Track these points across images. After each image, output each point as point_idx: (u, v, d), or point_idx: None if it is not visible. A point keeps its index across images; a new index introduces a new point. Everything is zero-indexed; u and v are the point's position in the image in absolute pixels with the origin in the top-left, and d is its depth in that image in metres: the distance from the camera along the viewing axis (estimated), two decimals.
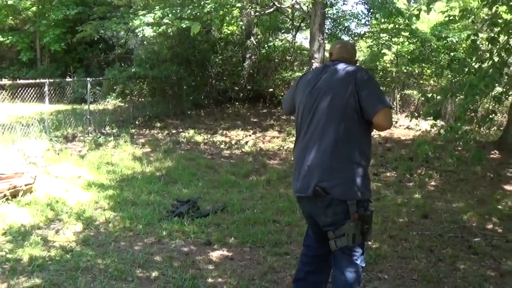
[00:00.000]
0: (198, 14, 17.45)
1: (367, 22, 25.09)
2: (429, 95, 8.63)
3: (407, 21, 20.53)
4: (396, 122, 18.01)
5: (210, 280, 6.07)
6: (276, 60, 23.63)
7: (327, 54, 13.26)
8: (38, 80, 16.62)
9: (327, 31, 22.30)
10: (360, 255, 4.60)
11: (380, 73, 22.12)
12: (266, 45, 23.52)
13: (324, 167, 4.42)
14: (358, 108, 4.41)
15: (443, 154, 12.90)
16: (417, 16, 9.39)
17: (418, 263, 6.70)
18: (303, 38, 31.06)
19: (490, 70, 7.35)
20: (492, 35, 7.94)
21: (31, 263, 6.36)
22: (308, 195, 4.50)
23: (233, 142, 15.91)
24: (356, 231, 4.40)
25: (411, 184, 11.19)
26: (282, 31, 26.82)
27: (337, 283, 4.64)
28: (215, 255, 6.90)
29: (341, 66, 4.68)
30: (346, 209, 4.38)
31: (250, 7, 20.61)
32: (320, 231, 4.73)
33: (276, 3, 19.78)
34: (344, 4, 27.63)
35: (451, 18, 13.72)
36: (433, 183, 11.34)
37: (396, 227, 8.11)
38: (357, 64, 4.94)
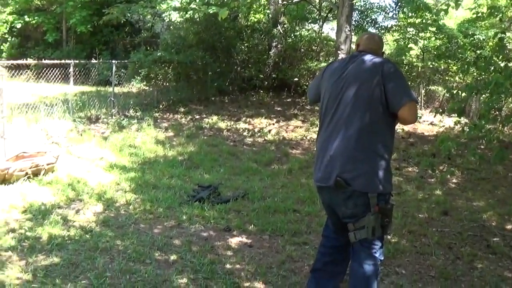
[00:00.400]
0: (225, 0, 17.44)
1: (394, 16, 24.90)
2: (454, 92, 8.56)
3: (434, 16, 20.38)
4: (420, 117, 17.85)
5: (228, 266, 6.07)
6: (302, 49, 23.50)
7: (353, 46, 13.18)
8: (63, 61, 16.66)
9: (354, 22, 22.17)
10: (379, 248, 4.58)
11: (406, 68, 21.94)
12: (292, 34, 23.40)
13: (347, 157, 4.39)
14: (383, 100, 4.37)
15: (465, 151, 12.80)
16: (446, 11, 9.32)
17: (436, 260, 6.65)
18: (329, 29, 30.89)
19: None
20: None
21: (50, 242, 6.40)
22: (329, 185, 4.48)
23: (256, 130, 15.88)
24: (376, 224, 4.37)
25: (432, 180, 11.11)
26: (309, 21, 26.70)
27: (355, 275, 4.63)
28: (234, 241, 6.90)
29: (368, 57, 4.63)
30: (367, 201, 4.36)
31: None
32: (339, 222, 4.72)
33: None
34: None
35: (478, 15, 13.63)
36: (454, 180, 11.27)
37: (416, 223, 8.06)
38: (383, 56, 4.90)
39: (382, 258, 4.66)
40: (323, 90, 4.79)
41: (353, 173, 4.36)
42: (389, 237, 7.05)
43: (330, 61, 17.53)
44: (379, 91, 4.37)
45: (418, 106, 4.95)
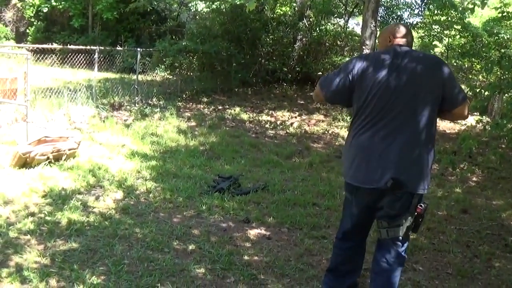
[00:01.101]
0: None
1: (420, 13, 24.87)
2: (477, 90, 8.50)
3: (459, 14, 20.29)
4: None
5: (246, 257, 6.06)
6: (327, 44, 23.47)
7: (377, 41, 13.10)
8: (88, 47, 16.73)
9: (379, 18, 22.06)
10: (406, 246, 4.57)
11: None
12: (318, 28, 23.37)
13: (404, 159, 4.32)
14: (440, 100, 4.36)
15: (486, 150, 12.74)
16: (472, 10, 9.26)
17: (454, 258, 6.61)
18: (355, 24, 30.84)
19: None
20: None
21: (69, 227, 6.43)
22: (378, 187, 4.38)
23: (278, 122, 15.86)
24: (411, 224, 4.37)
25: (452, 178, 11.04)
26: (335, 15, 26.60)
27: (380, 270, 4.58)
28: (252, 233, 6.89)
29: (418, 53, 4.57)
30: (411, 202, 4.35)
31: None
32: (365, 221, 4.69)
33: None
34: None
35: (504, 14, 13.52)
36: (474, 178, 11.19)
37: (435, 220, 8.01)
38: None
39: (406, 256, 4.66)
40: (365, 86, 4.48)
41: (409, 175, 4.33)
42: None
43: (356, 55, 17.49)
44: (439, 88, 4.34)
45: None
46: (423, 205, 4.36)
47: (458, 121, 4.68)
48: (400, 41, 4.66)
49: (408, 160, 4.32)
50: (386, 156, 4.33)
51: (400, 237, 4.44)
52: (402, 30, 4.76)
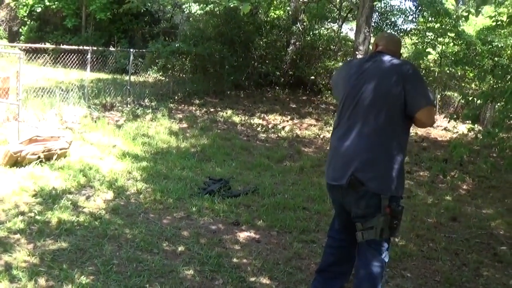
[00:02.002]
0: None
1: (414, 19, 24.88)
2: (470, 98, 8.53)
3: (454, 22, 20.34)
4: (434, 122, 17.76)
5: (235, 260, 6.08)
6: (320, 48, 23.49)
7: (371, 47, 13.11)
8: (81, 47, 16.72)
9: (373, 24, 22.09)
10: (386, 249, 4.59)
11: (423, 72, 21.86)
12: (311, 33, 23.40)
13: (362, 157, 4.37)
14: (402, 100, 4.33)
15: (477, 159, 12.78)
16: (466, 18, 9.30)
17: (443, 265, 6.63)
18: (348, 29, 30.89)
19: None
20: None
21: (59, 227, 6.45)
22: (341, 184, 4.47)
23: (270, 126, 15.87)
24: (385, 225, 4.35)
25: (443, 185, 11.06)
26: (329, 20, 26.69)
27: (360, 275, 4.64)
28: (242, 235, 6.91)
29: (387, 58, 4.61)
30: (379, 202, 4.34)
31: None
32: (347, 221, 4.72)
33: None
34: None
35: (498, 23, 13.55)
36: (465, 187, 11.20)
37: (424, 227, 8.04)
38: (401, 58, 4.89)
39: (387, 260, 4.67)
40: (341, 89, 4.76)
41: (368, 173, 4.36)
42: (396, 239, 7.04)
43: (345, 61, 17.53)
44: (398, 91, 4.34)
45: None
46: (393, 207, 4.37)
47: (427, 127, 4.72)
48: (381, 48, 4.81)
49: (369, 159, 4.39)
50: (349, 154, 4.46)
51: (377, 240, 4.45)
52: (384, 38, 4.99)
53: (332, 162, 4.66)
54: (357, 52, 16.78)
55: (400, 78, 4.36)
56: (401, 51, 5.03)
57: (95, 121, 13.04)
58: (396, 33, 23.73)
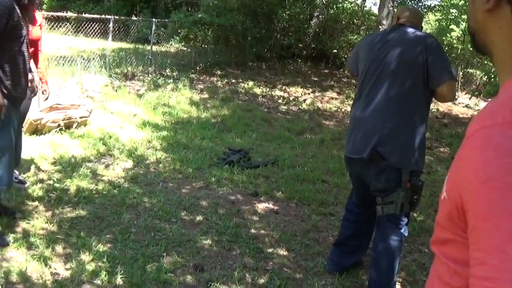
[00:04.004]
0: None
1: None
2: (492, 76, 8.44)
3: None
4: (456, 99, 17.67)
5: (252, 230, 6.07)
6: (344, 22, 23.34)
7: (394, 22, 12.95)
8: (103, 16, 16.67)
9: None
10: (405, 224, 4.59)
11: (446, 49, 21.69)
12: (335, 6, 23.28)
13: (383, 130, 4.32)
14: (425, 71, 4.26)
15: None
16: None
17: None
18: (372, 3, 30.62)
19: None
20: None
21: (78, 195, 6.47)
22: (362, 157, 4.44)
23: (291, 98, 15.79)
24: (405, 200, 4.33)
25: None
26: None
27: (378, 248, 4.64)
28: (260, 206, 6.90)
29: (411, 29, 4.55)
30: (399, 177, 4.32)
31: None
32: (365, 195, 4.72)
33: None
34: None
35: None
36: None
37: None
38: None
39: (406, 234, 4.67)
40: (362, 60, 4.71)
41: (389, 147, 4.32)
42: (415, 214, 7.01)
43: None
44: (422, 61, 4.26)
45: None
46: (414, 181, 4.34)
47: (447, 102, 4.66)
48: (403, 20, 4.74)
49: (385, 132, 4.34)
50: (370, 127, 4.41)
51: (397, 214, 4.44)
52: (406, 11, 4.88)
53: (352, 135, 4.61)
54: (380, 27, 16.64)
55: (424, 49, 4.28)
56: (422, 25, 4.96)
57: (116, 90, 13.03)
58: (420, 8, 23.53)
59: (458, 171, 1.35)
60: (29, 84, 5.52)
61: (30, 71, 5.64)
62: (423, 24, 5.04)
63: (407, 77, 4.31)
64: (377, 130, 4.35)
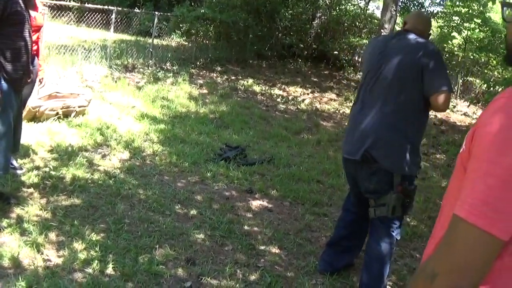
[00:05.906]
0: None
1: (441, 2, 24.74)
2: (492, 84, 8.47)
3: (481, 7, 20.15)
4: (454, 106, 17.71)
5: (246, 227, 6.10)
6: (346, 24, 23.31)
7: (397, 27, 12.95)
8: (106, 7, 16.67)
9: (400, 3, 21.99)
10: (397, 227, 4.62)
11: (446, 56, 21.71)
12: (337, 8, 23.25)
13: (378, 135, 4.36)
14: (421, 78, 4.28)
15: None
16: (493, 1, 9.20)
17: None
18: (375, 7, 30.70)
19: None
20: None
21: (73, 183, 6.49)
22: (355, 159, 4.47)
23: (290, 97, 15.79)
24: (397, 203, 4.37)
25: None
26: None
27: (370, 250, 4.68)
28: (255, 204, 6.93)
29: (412, 36, 4.55)
30: (391, 180, 4.36)
31: None
32: (361, 196, 4.76)
33: None
34: None
35: None
36: None
37: (437, 209, 7.97)
38: (429, 38, 4.82)
39: (398, 238, 4.70)
40: (365, 64, 4.78)
41: (382, 152, 4.35)
42: (408, 219, 7.05)
43: (372, 37, 17.41)
44: (419, 67, 4.27)
45: (453, 95, 4.90)
46: (405, 185, 4.37)
47: (439, 112, 4.73)
48: (409, 26, 4.73)
49: (384, 139, 4.37)
50: (365, 129, 4.44)
51: (389, 217, 4.46)
52: (414, 17, 4.89)
53: (349, 136, 4.67)
54: (382, 30, 16.68)
55: (423, 56, 4.28)
56: (430, 32, 4.96)
57: (116, 81, 13.04)
58: None
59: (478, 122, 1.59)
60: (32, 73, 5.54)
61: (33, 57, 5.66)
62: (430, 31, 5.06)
63: (405, 83, 4.33)
64: (372, 134, 4.38)
